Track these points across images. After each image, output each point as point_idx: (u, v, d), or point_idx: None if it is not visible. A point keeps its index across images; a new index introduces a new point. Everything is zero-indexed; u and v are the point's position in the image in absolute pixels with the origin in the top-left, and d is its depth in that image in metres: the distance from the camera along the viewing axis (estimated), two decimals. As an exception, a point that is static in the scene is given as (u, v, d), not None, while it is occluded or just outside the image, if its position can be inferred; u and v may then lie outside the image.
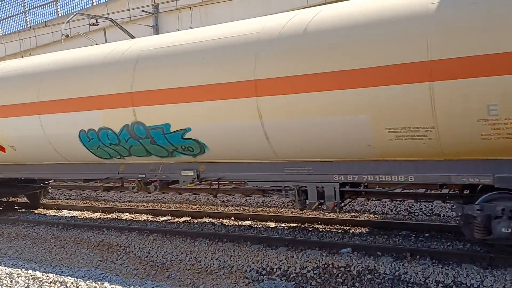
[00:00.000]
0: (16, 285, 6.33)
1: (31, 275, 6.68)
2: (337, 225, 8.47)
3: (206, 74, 6.84)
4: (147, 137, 7.64)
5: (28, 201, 12.64)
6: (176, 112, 7.18)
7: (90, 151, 8.49)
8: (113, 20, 17.53)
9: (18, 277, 6.64)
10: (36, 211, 12.12)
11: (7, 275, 6.72)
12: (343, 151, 6.31)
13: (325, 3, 10.50)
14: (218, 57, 6.81)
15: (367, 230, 8.08)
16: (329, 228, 8.34)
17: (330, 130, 6.13)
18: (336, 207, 6.66)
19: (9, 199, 12.25)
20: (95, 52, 8.59)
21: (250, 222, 9.24)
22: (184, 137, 7.31)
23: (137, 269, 7.18)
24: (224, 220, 9.55)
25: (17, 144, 9.47)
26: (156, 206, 11.57)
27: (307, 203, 6.95)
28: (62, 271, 6.96)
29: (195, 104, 6.98)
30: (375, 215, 9.13)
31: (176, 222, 9.77)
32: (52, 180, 12.94)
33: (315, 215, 9.37)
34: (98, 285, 6.18)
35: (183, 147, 7.47)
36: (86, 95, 8.08)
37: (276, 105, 6.36)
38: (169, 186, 8.81)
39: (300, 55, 6.13)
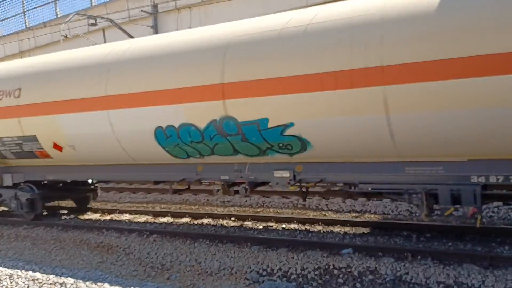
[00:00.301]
0: (16, 286, 6.31)
1: (31, 277, 6.65)
2: (338, 226, 8.46)
3: (316, 61, 6.03)
4: (237, 134, 6.86)
5: (75, 205, 11.79)
6: (277, 105, 6.38)
7: (166, 150, 7.68)
8: (112, 20, 17.53)
9: (18, 278, 6.62)
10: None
11: (7, 277, 6.70)
12: (485, 148, 5.55)
13: (324, 3, 10.48)
14: (330, 42, 5.99)
15: (368, 230, 8.06)
16: (330, 229, 8.32)
17: (475, 124, 5.37)
18: (476, 214, 5.83)
19: (59, 203, 11.50)
20: (173, 39, 7.72)
21: (250, 223, 9.22)
22: (284, 134, 6.53)
23: (137, 270, 7.16)
24: (224, 221, 9.53)
25: (78, 142, 8.55)
26: (156, 207, 11.54)
27: (437, 208, 6.17)
28: (62, 272, 6.93)
29: (301, 96, 6.15)
30: (376, 216, 9.12)
31: (176, 223, 9.74)
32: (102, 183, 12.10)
33: (316, 216, 9.36)
34: (98, 286, 6.16)
35: (281, 144, 6.68)
36: (166, 88, 7.21)
37: (408, 96, 5.52)
38: (256, 189, 8.02)
39: (442, 35, 5.27)
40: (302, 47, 6.22)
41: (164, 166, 8.23)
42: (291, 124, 6.41)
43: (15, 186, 10.33)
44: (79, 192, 11.25)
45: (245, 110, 6.67)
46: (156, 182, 9.08)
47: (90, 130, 8.24)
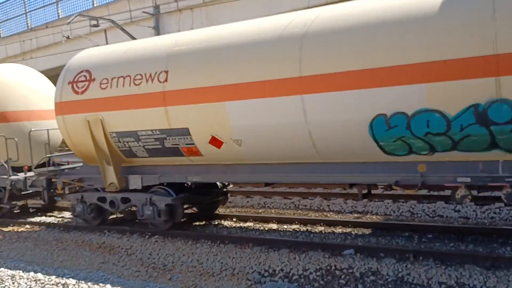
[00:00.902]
0: (18, 287, 6.33)
1: (33, 277, 6.67)
2: (340, 227, 8.46)
3: None
4: (510, 122, 5.33)
5: (196, 211, 10.14)
6: None
7: (379, 145, 6.19)
8: (114, 21, 17.53)
9: (20, 279, 6.64)
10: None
11: (9, 277, 6.72)
12: None
13: (326, 4, 10.50)
14: None
15: (370, 231, 8.06)
16: (332, 230, 8.32)
17: None
18: None
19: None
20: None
21: (252, 224, 9.23)
22: None
23: (139, 271, 7.16)
24: (226, 222, 9.53)
25: (248, 136, 7.04)
26: (158, 208, 11.53)
27: None
28: (64, 273, 6.95)
29: None
30: (378, 216, 9.12)
31: (178, 223, 9.74)
32: (231, 185, 10.19)
33: (318, 217, 9.36)
34: (100, 287, 6.17)
35: None
36: (397, 64, 5.74)
37: None
38: None
39: None
40: None
41: (365, 164, 6.63)
42: None
43: (144, 189, 8.76)
44: (213, 196, 9.56)
45: None
46: (351, 185, 7.30)
47: (272, 120, 6.75)
